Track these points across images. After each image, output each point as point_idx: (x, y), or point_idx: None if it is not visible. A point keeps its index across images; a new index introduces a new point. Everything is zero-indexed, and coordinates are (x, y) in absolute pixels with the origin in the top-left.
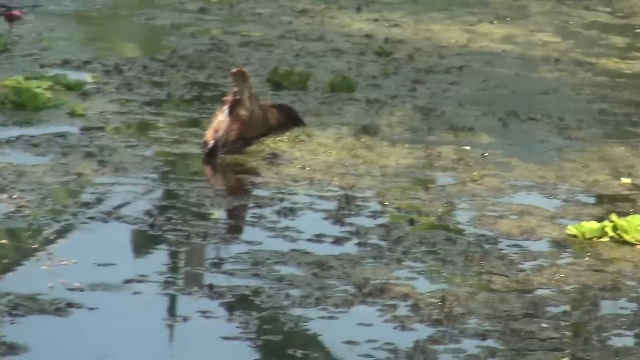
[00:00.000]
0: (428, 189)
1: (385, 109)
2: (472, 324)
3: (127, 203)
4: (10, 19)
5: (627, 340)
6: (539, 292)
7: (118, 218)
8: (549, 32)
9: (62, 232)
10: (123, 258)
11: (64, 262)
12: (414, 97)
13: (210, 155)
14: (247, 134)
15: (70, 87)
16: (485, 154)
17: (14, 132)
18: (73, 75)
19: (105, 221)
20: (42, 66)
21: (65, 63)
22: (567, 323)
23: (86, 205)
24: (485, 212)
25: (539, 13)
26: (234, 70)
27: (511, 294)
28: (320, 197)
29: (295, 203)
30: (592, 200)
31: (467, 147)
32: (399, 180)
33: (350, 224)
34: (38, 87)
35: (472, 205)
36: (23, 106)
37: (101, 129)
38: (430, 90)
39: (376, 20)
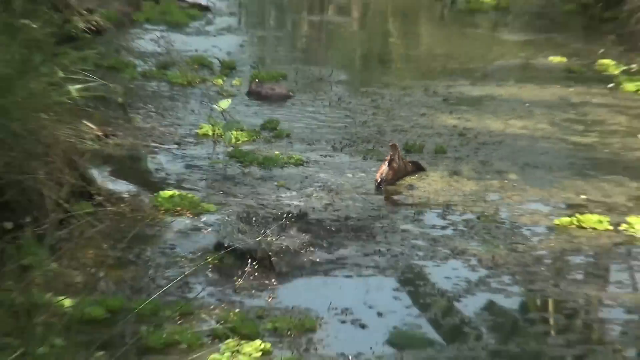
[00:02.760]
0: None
1: (463, 161)
2: None
3: None
4: None
5: None
6: None
7: None
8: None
9: None
10: None
11: None
12: (477, 155)
13: (379, 187)
14: (397, 176)
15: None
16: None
17: None
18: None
19: None
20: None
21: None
22: None
23: None
24: None
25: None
26: (391, 143)
27: None
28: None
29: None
30: None
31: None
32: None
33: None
34: None
35: None
36: None
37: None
38: (484, 153)
39: (459, 118)
